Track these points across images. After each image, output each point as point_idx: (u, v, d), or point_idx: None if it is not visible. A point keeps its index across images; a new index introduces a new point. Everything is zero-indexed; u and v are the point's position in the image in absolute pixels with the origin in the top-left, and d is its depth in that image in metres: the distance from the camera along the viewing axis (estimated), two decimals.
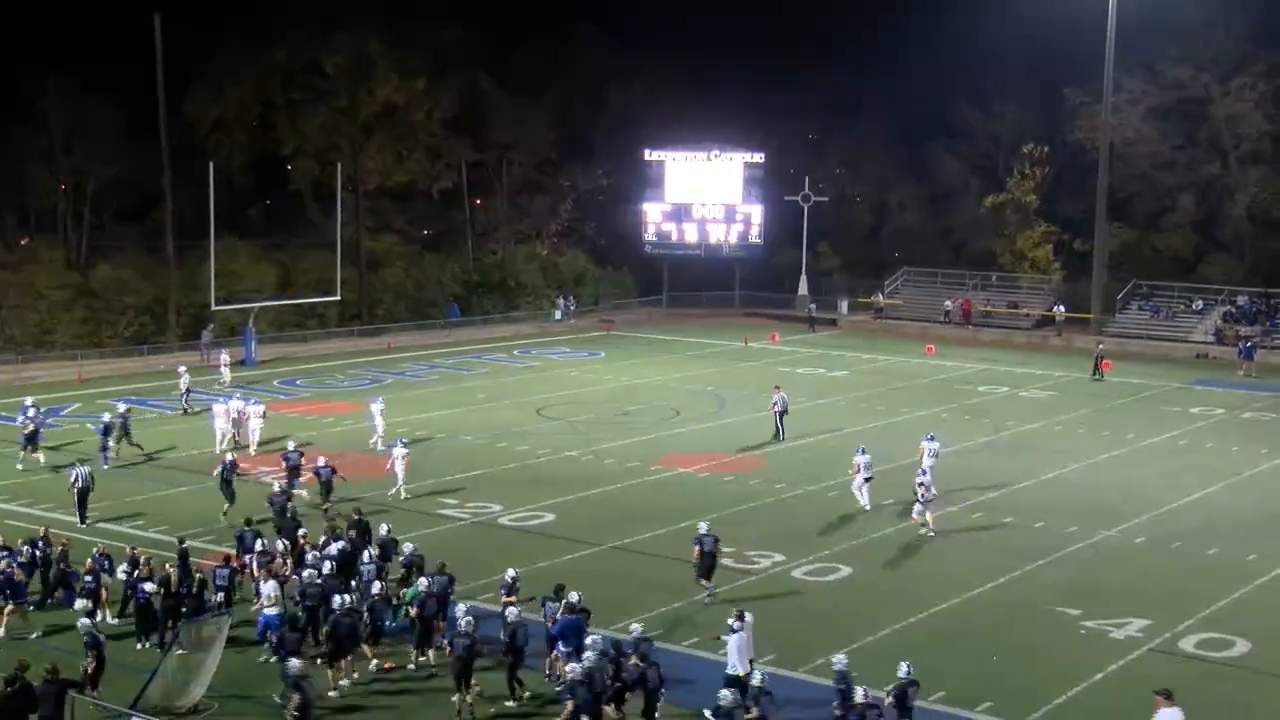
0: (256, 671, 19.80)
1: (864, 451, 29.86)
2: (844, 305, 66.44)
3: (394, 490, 29.68)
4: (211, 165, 48.75)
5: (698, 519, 28.06)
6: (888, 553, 26.28)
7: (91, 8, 56.99)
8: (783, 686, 19.38)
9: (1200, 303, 59.76)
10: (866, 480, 29.23)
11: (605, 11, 70.07)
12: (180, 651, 18.62)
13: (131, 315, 52.89)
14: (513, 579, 20.84)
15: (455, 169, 65.75)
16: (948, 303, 64.07)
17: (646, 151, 68.26)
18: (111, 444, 32.53)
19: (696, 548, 23.50)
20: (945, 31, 65.24)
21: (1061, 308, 61.93)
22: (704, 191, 68.59)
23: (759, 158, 68.59)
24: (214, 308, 49.92)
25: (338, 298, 54.82)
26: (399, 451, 30.17)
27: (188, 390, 39.61)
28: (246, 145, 61.71)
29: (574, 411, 40.64)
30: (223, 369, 44.48)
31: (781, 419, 36.89)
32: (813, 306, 65.54)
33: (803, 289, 69.37)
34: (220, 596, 21.40)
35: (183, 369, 40.70)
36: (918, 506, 27.75)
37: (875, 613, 22.55)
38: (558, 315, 63.88)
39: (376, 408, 34.77)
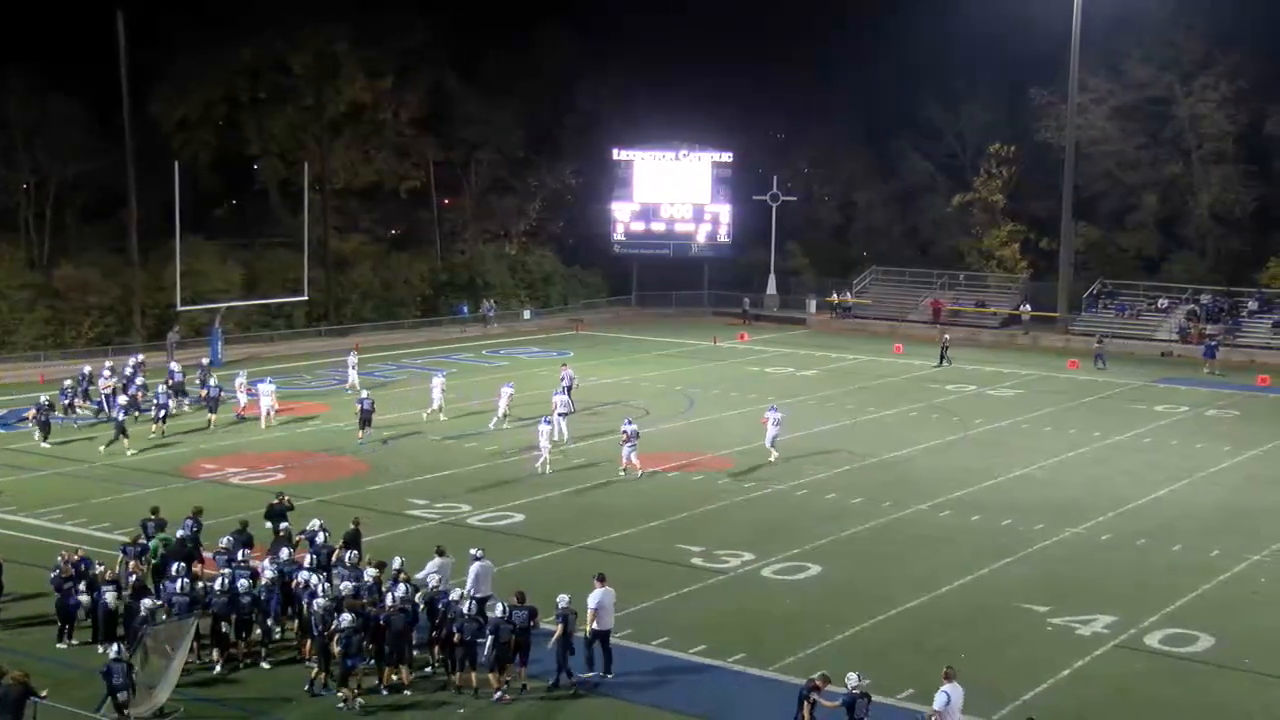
0: (221, 674, 19.70)
1: (565, 391, 37.79)
2: (812, 304, 66.64)
3: (539, 465, 31.94)
4: (176, 164, 48.35)
5: (667, 518, 28.22)
6: (857, 551, 26.36)
7: (53, 4, 56.40)
8: (753, 685, 19.47)
9: (1165, 301, 60.29)
10: (563, 415, 35.64)
11: (573, 11, 70.04)
12: (146, 655, 18.45)
13: (95, 316, 52.35)
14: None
15: (423, 168, 65.51)
16: (834, 295, 64.77)
17: (615, 151, 68.28)
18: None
19: (358, 406, 35.36)
20: (912, 31, 65.56)
21: (1028, 306, 62.35)
22: (672, 191, 68.69)
23: (727, 157, 68.78)
24: (180, 308, 49.51)
25: (305, 298, 54.47)
26: (544, 428, 32.27)
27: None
28: (212, 144, 61.15)
29: (543, 411, 40.43)
30: (350, 370, 43.66)
31: (568, 393, 38.41)
32: (747, 301, 65.96)
33: (771, 288, 69.58)
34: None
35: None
36: (625, 449, 31.73)
37: (844, 611, 22.60)
38: (526, 315, 63.71)
39: (438, 380, 39.26)
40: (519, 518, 28.32)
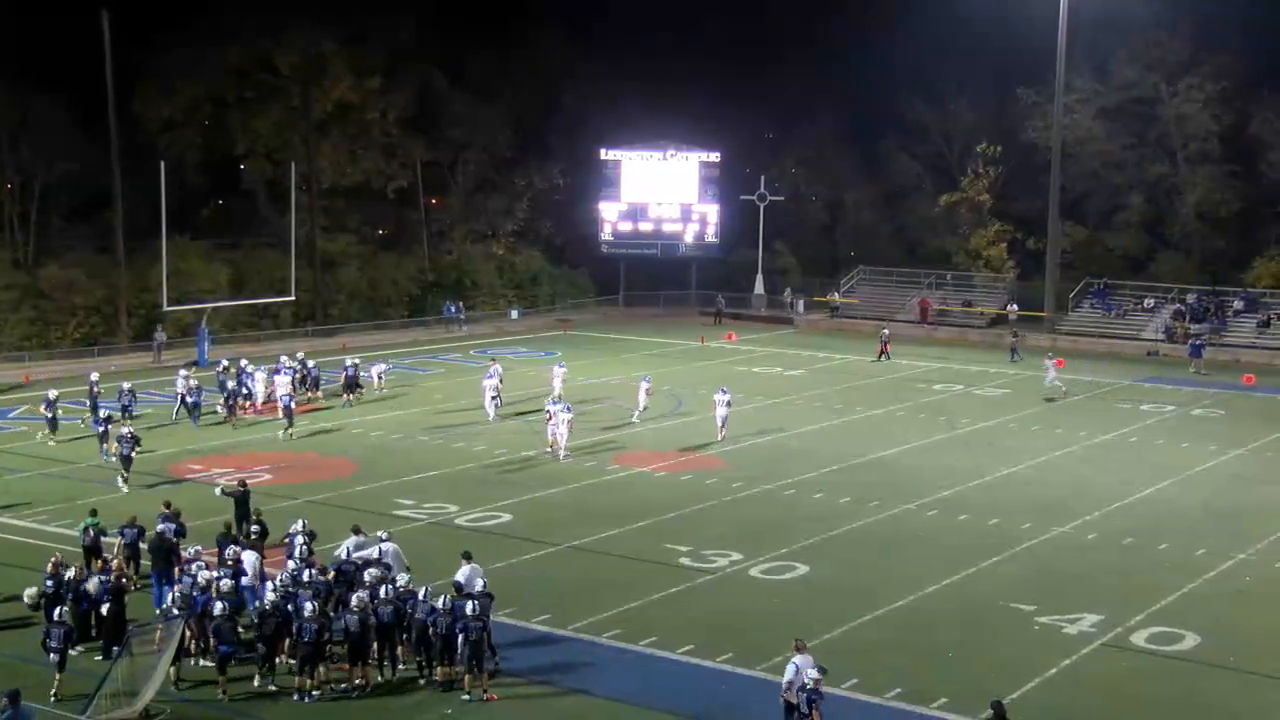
0: (207, 675, 19.63)
1: (495, 370, 39.27)
2: (800, 304, 66.70)
3: (552, 450, 33.32)
4: (163, 164, 48.20)
5: (655, 518, 28.23)
6: (844, 551, 26.39)
7: (38, 3, 56.13)
8: (741, 684, 19.49)
9: (1151, 301, 60.50)
10: (494, 399, 37.67)
11: (561, 11, 69.97)
12: (130, 657, 18.39)
13: (81, 316, 52.16)
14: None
15: (410, 168, 65.40)
16: (787, 292, 64.85)
17: (602, 151, 68.26)
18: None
19: (343, 374, 39.43)
20: (900, 31, 65.65)
21: (1015, 306, 62.49)
22: (660, 191, 68.70)
23: (715, 157, 68.81)
24: (166, 308, 49.35)
25: (292, 298, 54.32)
26: (563, 416, 33.23)
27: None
28: (199, 144, 61.01)
29: (530, 411, 40.47)
30: (375, 375, 42.91)
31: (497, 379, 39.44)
32: (721, 300, 66.00)
33: (759, 288, 69.62)
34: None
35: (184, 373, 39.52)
36: (549, 428, 33.46)
37: (832, 611, 22.61)
38: (514, 314, 63.54)
39: (559, 370, 40.69)
40: (507, 518, 28.29)
